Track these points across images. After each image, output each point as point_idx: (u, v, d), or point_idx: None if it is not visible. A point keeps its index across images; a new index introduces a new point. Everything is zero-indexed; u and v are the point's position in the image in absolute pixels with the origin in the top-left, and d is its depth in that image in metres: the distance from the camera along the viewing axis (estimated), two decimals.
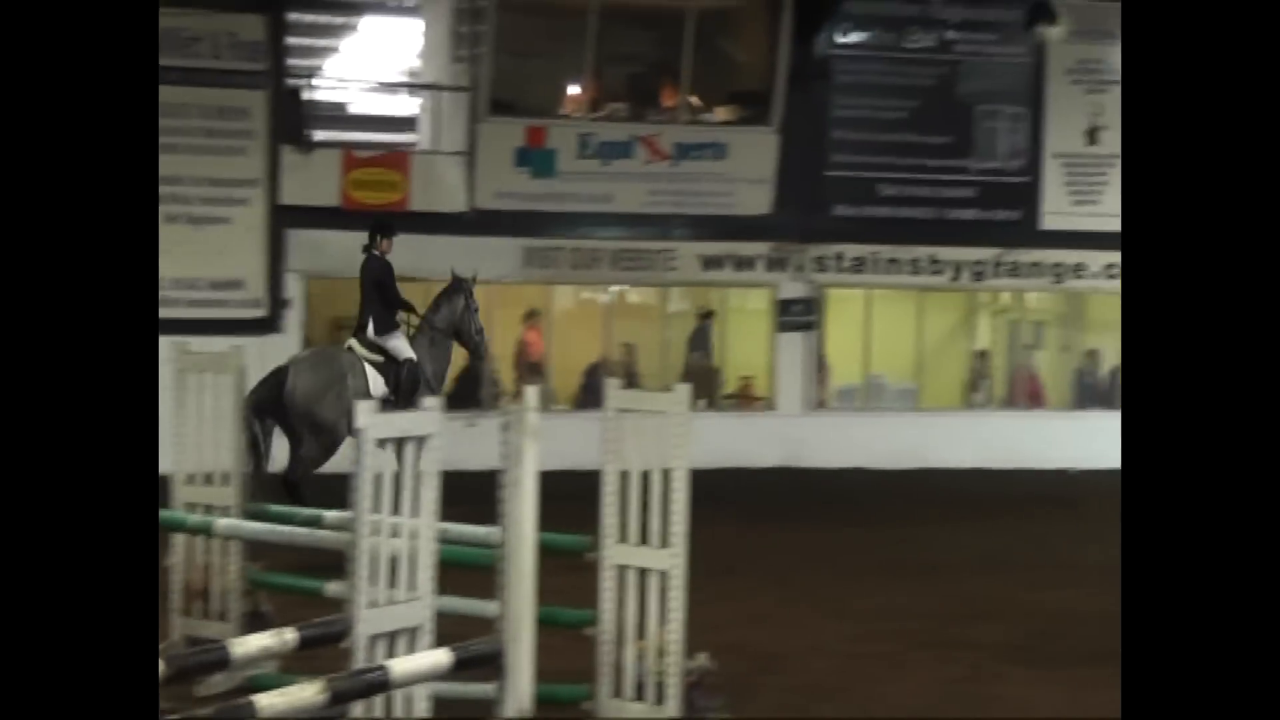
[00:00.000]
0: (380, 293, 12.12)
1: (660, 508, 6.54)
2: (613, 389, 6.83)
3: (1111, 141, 16.91)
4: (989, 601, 10.62)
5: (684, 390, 6.68)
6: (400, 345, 12.08)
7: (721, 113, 17.29)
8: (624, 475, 6.57)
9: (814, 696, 7.84)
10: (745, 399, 17.61)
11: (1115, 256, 16.87)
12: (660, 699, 6.48)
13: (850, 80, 17.05)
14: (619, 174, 16.51)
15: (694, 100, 17.15)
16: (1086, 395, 18.16)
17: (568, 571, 6.80)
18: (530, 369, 16.53)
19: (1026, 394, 18.08)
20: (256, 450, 11.08)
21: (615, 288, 17.59)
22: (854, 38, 17.21)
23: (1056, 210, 17.16)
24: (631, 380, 14.96)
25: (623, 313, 17.67)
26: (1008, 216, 17.19)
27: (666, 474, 6.55)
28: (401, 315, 12.28)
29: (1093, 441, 16.95)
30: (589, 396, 15.72)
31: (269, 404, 11.53)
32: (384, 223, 12.56)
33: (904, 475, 14.78)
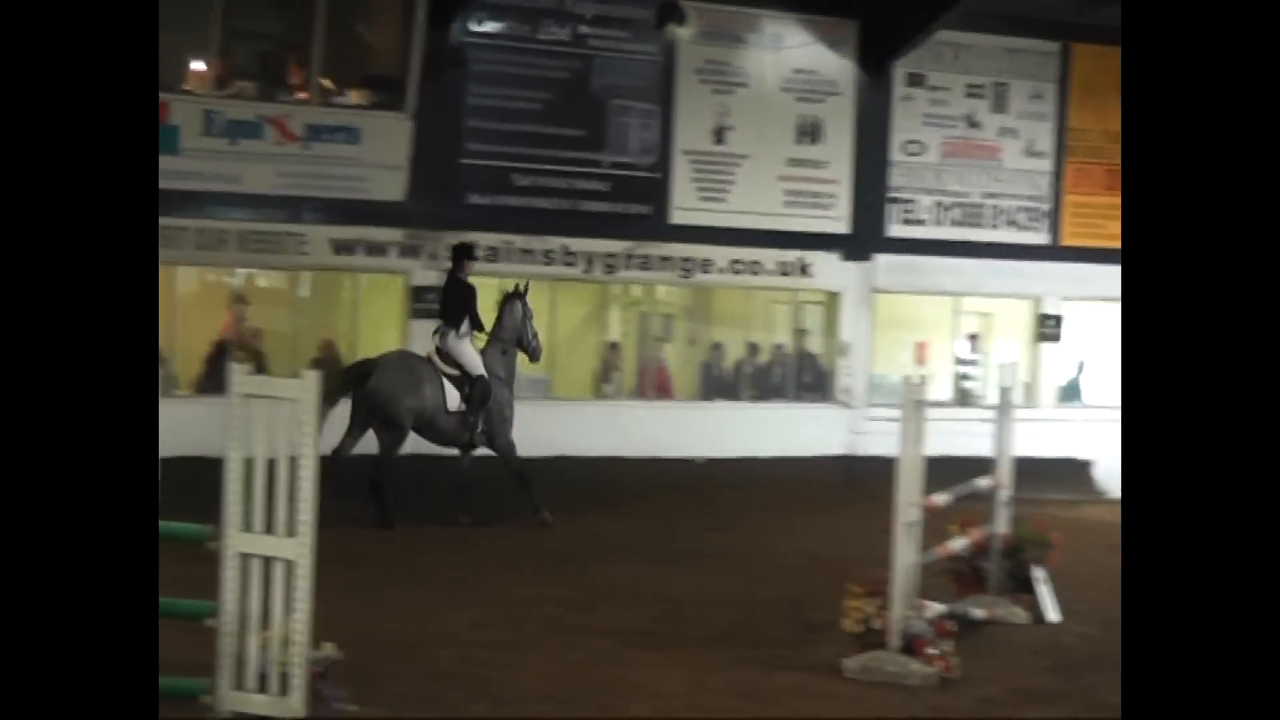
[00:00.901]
0: (464, 313, 13.56)
1: (287, 495, 6.43)
2: (237, 374, 6.68)
3: (736, 141, 17.52)
4: (617, 587, 10.89)
5: (312, 377, 6.58)
6: (474, 362, 13.48)
7: (355, 96, 17.06)
8: (249, 462, 6.44)
9: (443, 684, 7.87)
10: None
11: (740, 252, 17.49)
12: (284, 690, 6.38)
13: (485, 69, 17.08)
14: (247, 154, 16.09)
15: (326, 82, 16.87)
16: (712, 387, 18.74)
17: (189, 561, 6.62)
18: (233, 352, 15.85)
19: (655, 385, 18.53)
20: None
21: (243, 271, 17.15)
22: (489, 27, 17.24)
23: (685, 206, 17.63)
24: (259, 366, 14.61)
25: (251, 297, 17.21)
26: (639, 210, 17.57)
27: (294, 461, 6.45)
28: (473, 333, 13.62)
29: (718, 432, 17.55)
30: (212, 381, 15.26)
31: (348, 390, 13.13)
32: (467, 248, 14.04)
33: (535, 464, 14.92)
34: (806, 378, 18.42)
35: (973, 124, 18.45)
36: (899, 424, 9.30)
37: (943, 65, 18.28)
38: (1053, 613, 10.78)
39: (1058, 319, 19.01)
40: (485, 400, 13.43)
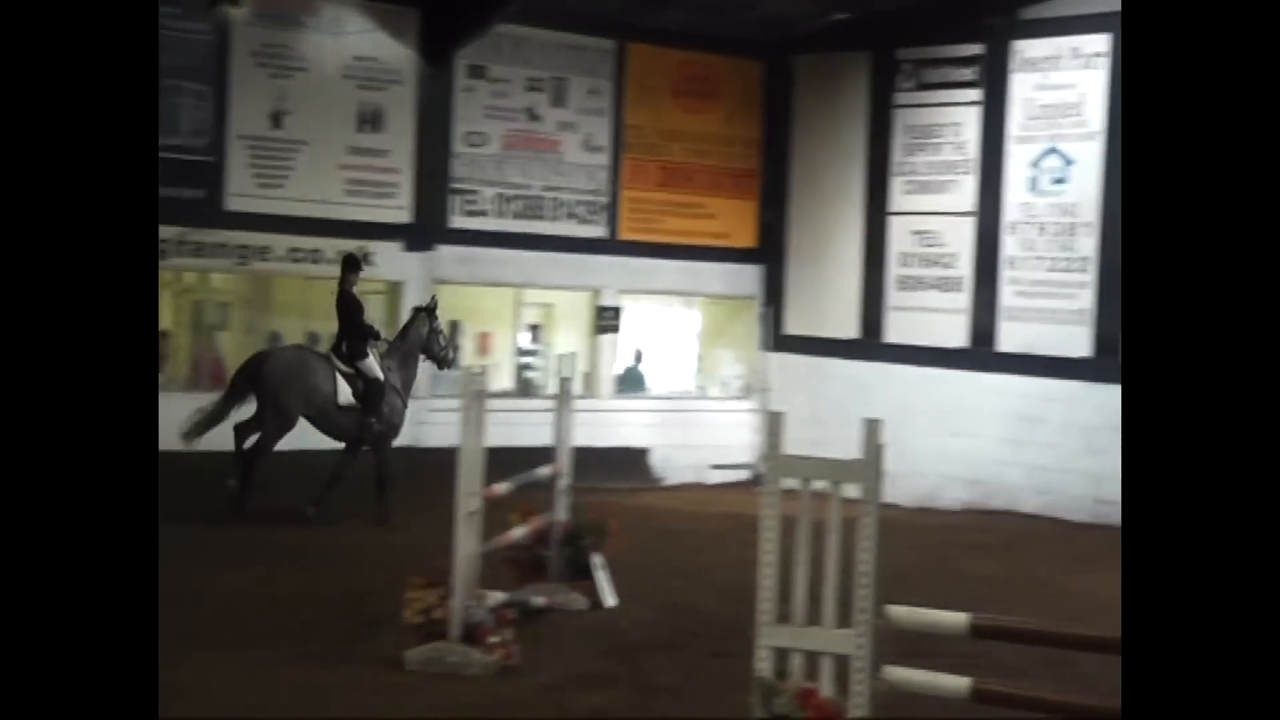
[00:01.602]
0: (351, 324, 14.46)
1: None
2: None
3: (295, 127, 17.19)
4: (169, 584, 10.50)
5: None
6: (370, 367, 14.39)
7: None
8: None
9: None
10: None
11: (300, 240, 17.15)
12: None
13: None
14: None
15: None
16: None
17: None
18: None
19: (210, 375, 17.97)
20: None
21: None
22: None
23: (241, 192, 17.17)
24: None
25: None
26: (192, 195, 16.99)
27: None
28: (372, 341, 14.57)
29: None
30: None
31: (246, 378, 14.30)
32: (354, 260, 14.82)
33: None
34: None
35: (533, 117, 18.71)
36: (460, 414, 9.36)
37: (504, 58, 18.46)
38: (610, 598, 11.09)
39: (616, 311, 19.52)
40: (380, 399, 14.42)
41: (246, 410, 14.25)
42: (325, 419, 14.45)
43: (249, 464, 14.07)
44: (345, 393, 14.34)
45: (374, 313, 18.29)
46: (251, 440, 14.13)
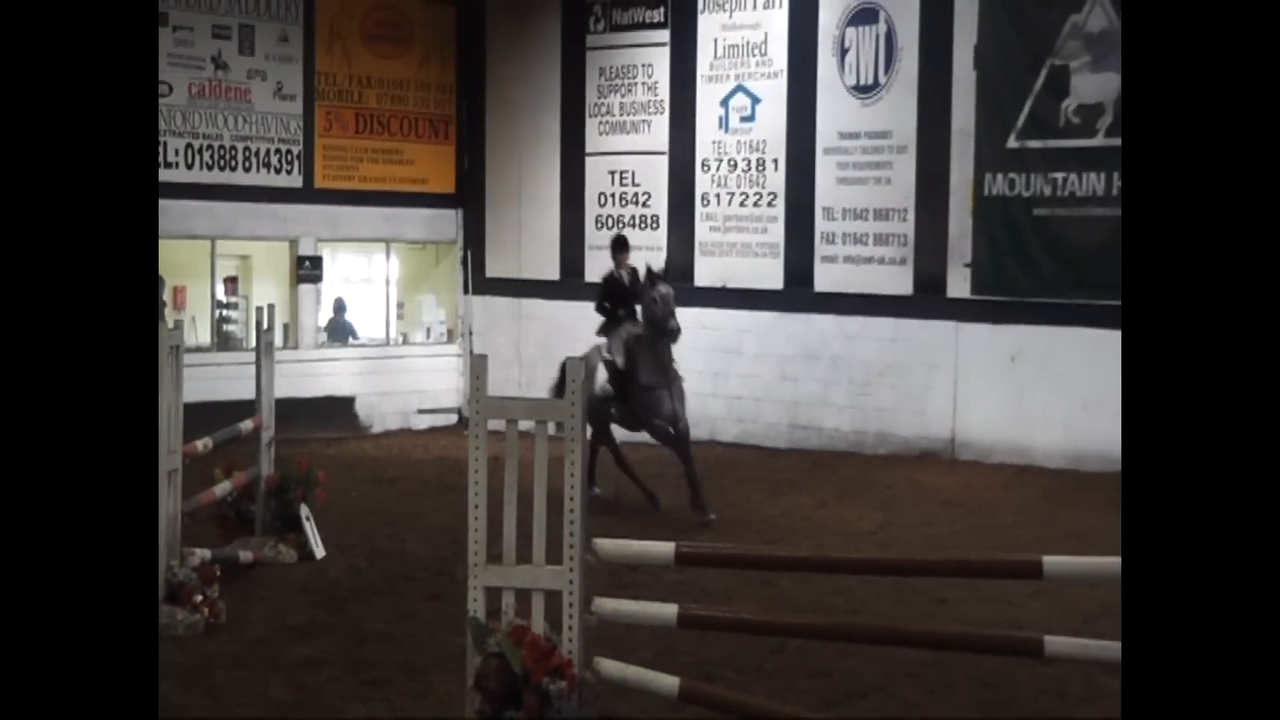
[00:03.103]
0: (600, 304, 13.84)
1: None
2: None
3: None
4: None
5: None
6: (615, 348, 13.31)
7: None
8: None
9: None
10: None
11: None
12: None
13: None
14: None
15: None
16: None
17: None
18: None
19: None
20: None
21: None
22: None
23: None
24: None
25: None
26: None
27: None
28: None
29: None
30: None
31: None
32: (623, 240, 14.28)
33: None
34: None
35: (220, 65, 18.16)
36: (156, 371, 9.08)
37: (186, 4, 17.84)
38: (319, 549, 10.97)
39: (316, 260, 19.18)
40: (622, 383, 13.24)
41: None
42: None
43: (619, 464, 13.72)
44: (602, 381, 13.14)
45: None
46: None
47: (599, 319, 13.94)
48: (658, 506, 13.13)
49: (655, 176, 18.57)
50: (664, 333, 12.81)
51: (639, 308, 13.35)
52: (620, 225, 18.82)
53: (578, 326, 18.60)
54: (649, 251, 18.60)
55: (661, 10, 18.40)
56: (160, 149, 17.65)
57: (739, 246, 17.79)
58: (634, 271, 13.70)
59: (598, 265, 19.04)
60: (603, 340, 13.47)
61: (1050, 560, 6.40)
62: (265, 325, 11.43)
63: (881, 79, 16.59)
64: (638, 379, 12.97)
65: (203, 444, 9.93)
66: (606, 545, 6.67)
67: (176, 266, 18.43)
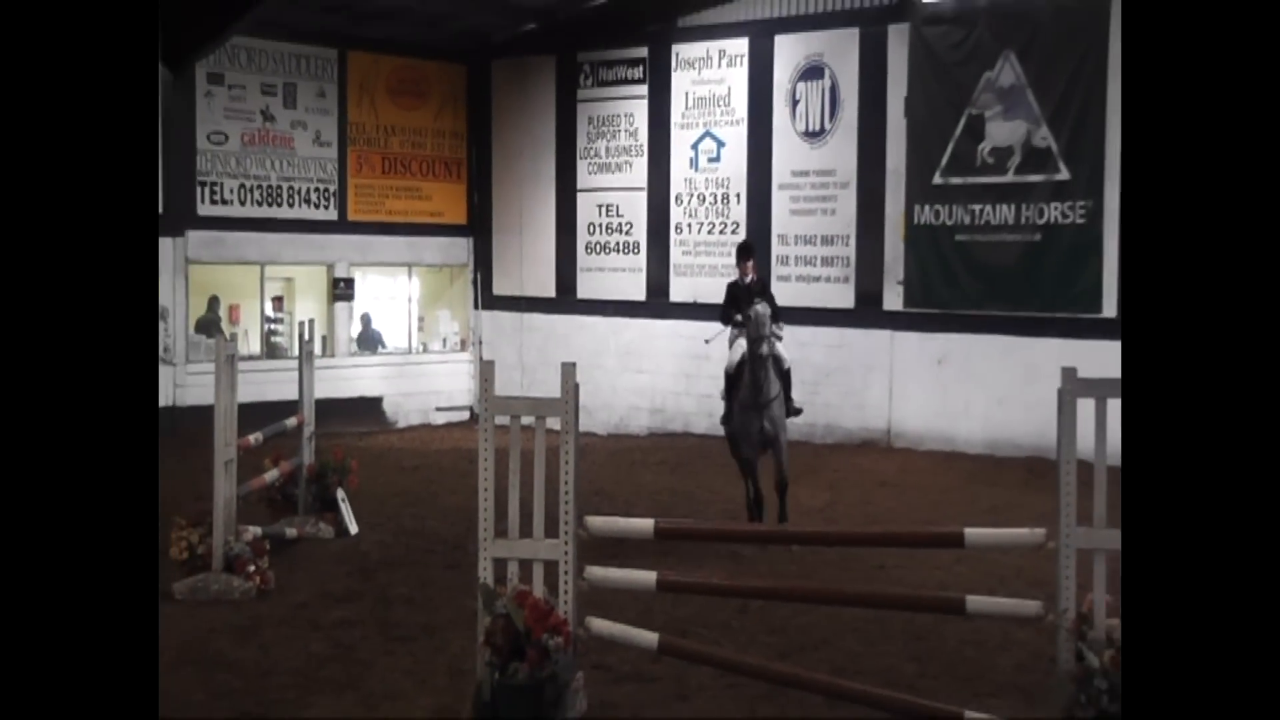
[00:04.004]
0: (724, 313, 11.34)
1: None
2: None
3: None
4: None
5: None
6: (733, 356, 11.06)
7: None
8: None
9: None
10: None
11: None
12: None
13: None
14: None
15: None
16: None
17: None
18: None
19: None
20: None
21: None
22: None
23: None
24: None
25: None
26: None
27: None
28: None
29: None
30: None
31: None
32: (747, 247, 11.53)
33: None
34: None
35: (268, 117, 18.12)
36: (215, 376, 9.07)
37: (239, 66, 17.79)
38: (353, 526, 10.93)
39: (349, 282, 19.13)
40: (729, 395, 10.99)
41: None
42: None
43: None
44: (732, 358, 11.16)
45: None
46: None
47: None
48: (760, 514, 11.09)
49: (636, 209, 18.56)
50: (753, 355, 10.46)
51: None
52: (607, 250, 18.80)
53: (571, 336, 18.64)
54: (630, 273, 18.62)
55: (641, 68, 18.40)
56: (218, 189, 17.62)
57: (707, 268, 17.79)
58: (761, 282, 11.39)
59: (589, 285, 19.05)
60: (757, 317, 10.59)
61: (971, 531, 6.42)
62: (306, 337, 11.40)
63: (827, 126, 16.61)
64: (735, 395, 10.83)
65: (254, 438, 9.90)
66: (596, 522, 6.66)
67: (231, 288, 18.38)
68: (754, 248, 11.55)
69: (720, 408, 11.53)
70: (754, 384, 10.52)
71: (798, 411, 11.03)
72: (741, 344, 10.81)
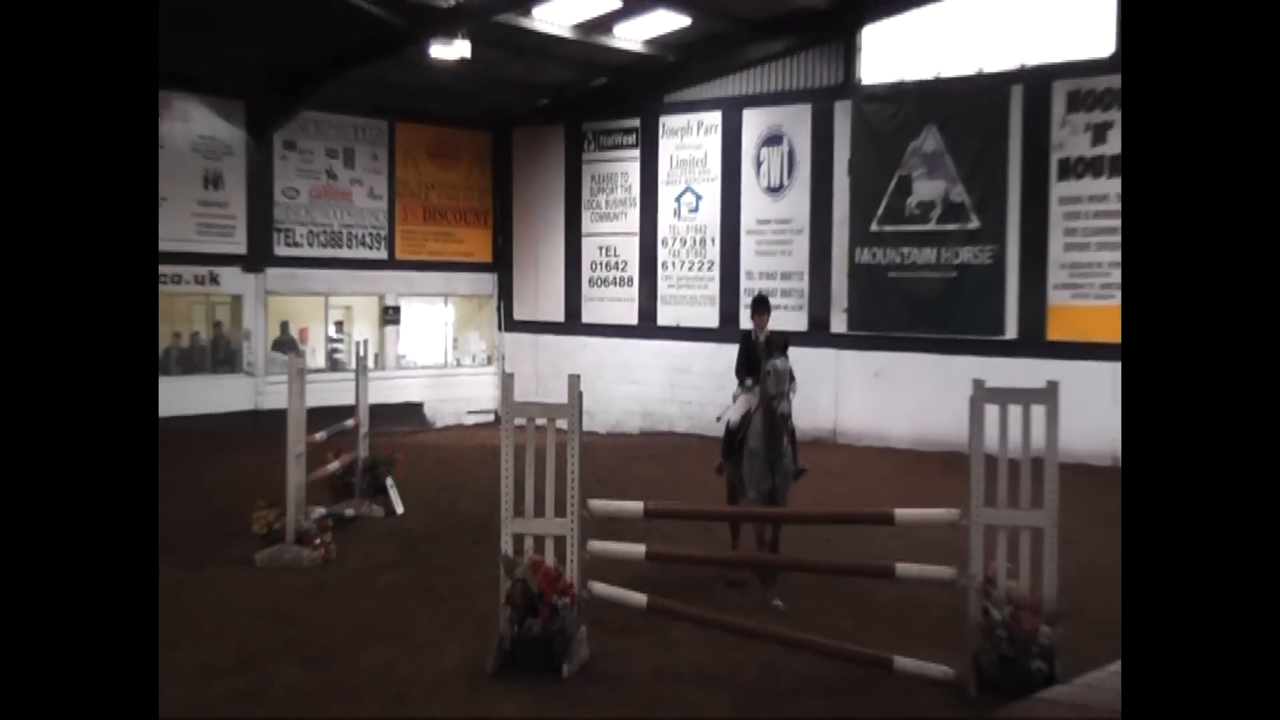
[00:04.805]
0: (737, 368, 8.99)
1: None
2: None
3: (159, 188, 16.21)
4: None
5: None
6: (736, 408, 8.82)
7: None
8: None
9: None
10: None
11: (165, 268, 16.21)
12: None
13: None
14: None
15: None
16: None
17: None
18: None
19: None
20: None
21: None
22: None
23: None
24: None
25: None
26: None
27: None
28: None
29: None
30: None
31: None
32: (763, 300, 9.22)
33: None
34: (220, 356, 17.45)
35: (332, 176, 18.15)
36: (287, 386, 9.07)
37: (309, 134, 17.83)
38: (399, 508, 10.92)
39: (396, 309, 19.14)
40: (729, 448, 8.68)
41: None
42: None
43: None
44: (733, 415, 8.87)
45: (223, 317, 17.49)
46: None
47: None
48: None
49: (630, 250, 18.59)
50: (768, 411, 8.07)
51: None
52: (607, 284, 18.82)
53: (576, 353, 18.65)
54: (625, 302, 18.64)
55: (634, 136, 18.46)
56: (291, 234, 17.65)
57: (688, 298, 17.82)
58: (783, 336, 8.55)
59: (591, 311, 19.06)
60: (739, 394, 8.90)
61: (900, 511, 6.45)
62: (361, 353, 11.40)
63: (786, 183, 16.66)
64: (745, 442, 8.31)
65: (319, 436, 9.90)
66: (597, 504, 6.68)
67: (300, 314, 18.38)
68: (769, 301, 9.38)
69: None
70: (769, 437, 8.10)
71: (802, 471, 8.48)
72: (744, 400, 8.70)
